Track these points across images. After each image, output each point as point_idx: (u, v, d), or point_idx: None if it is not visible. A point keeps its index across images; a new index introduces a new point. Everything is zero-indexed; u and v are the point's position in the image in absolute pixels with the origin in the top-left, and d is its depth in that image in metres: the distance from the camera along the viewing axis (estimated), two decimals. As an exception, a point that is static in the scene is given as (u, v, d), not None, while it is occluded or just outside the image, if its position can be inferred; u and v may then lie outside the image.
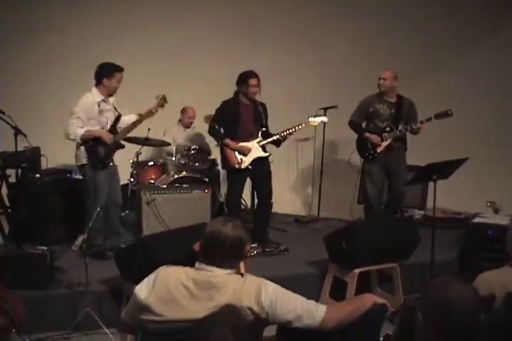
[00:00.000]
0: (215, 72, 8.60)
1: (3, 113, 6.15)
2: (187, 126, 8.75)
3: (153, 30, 8.81)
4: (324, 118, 7.40)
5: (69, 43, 8.60)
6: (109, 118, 6.65)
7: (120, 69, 6.54)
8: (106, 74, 6.51)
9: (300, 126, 7.07)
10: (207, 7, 8.86)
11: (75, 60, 8.46)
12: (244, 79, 6.94)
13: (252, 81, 6.93)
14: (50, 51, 8.59)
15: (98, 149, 6.53)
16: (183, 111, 8.67)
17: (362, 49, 8.77)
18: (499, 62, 8.33)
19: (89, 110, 6.48)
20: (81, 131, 6.41)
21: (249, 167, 7.04)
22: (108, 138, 6.54)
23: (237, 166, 7.01)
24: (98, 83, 6.55)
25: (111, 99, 6.69)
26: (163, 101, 6.70)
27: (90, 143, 6.50)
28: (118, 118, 6.68)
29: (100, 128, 6.59)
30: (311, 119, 7.21)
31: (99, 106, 6.53)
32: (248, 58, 8.45)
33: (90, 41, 8.55)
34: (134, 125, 6.72)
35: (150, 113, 6.65)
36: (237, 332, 2.44)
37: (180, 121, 8.75)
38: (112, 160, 6.68)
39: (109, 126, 6.63)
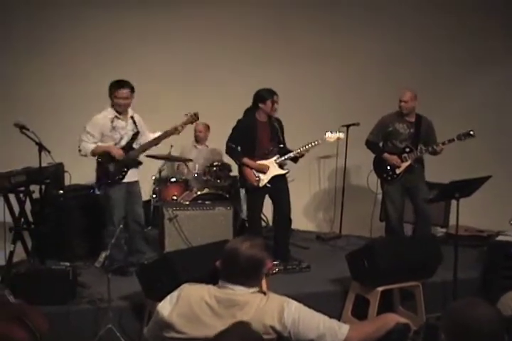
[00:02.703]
0: (234, 88, 8.63)
1: (27, 129, 6.19)
2: (198, 141, 8.74)
3: (171, 46, 8.89)
4: (341, 135, 7.24)
5: (94, 60, 8.69)
6: (126, 134, 6.71)
7: (120, 86, 6.56)
8: (110, 92, 6.59)
9: (316, 142, 6.99)
10: (227, 24, 8.91)
11: (99, 76, 8.53)
12: (268, 96, 6.91)
13: (276, 98, 6.93)
14: (75, 67, 8.69)
15: (108, 165, 6.59)
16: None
17: (382, 66, 8.77)
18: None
19: (101, 126, 6.57)
20: (90, 147, 6.51)
21: (268, 185, 7.05)
22: (117, 153, 6.59)
23: (255, 184, 7.00)
24: (111, 100, 6.64)
25: (133, 117, 6.75)
26: (192, 118, 6.76)
27: (100, 159, 6.58)
28: (135, 136, 6.74)
29: (113, 145, 6.64)
30: (327, 135, 7.08)
31: (112, 122, 6.60)
32: (267, 75, 8.47)
33: (115, 58, 8.63)
34: (155, 141, 6.76)
35: (175, 130, 6.67)
36: None
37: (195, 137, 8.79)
38: (124, 177, 6.68)
39: (123, 143, 6.68)
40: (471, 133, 6.80)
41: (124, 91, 6.56)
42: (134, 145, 6.74)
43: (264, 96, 6.94)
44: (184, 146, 8.67)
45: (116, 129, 6.64)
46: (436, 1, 8.51)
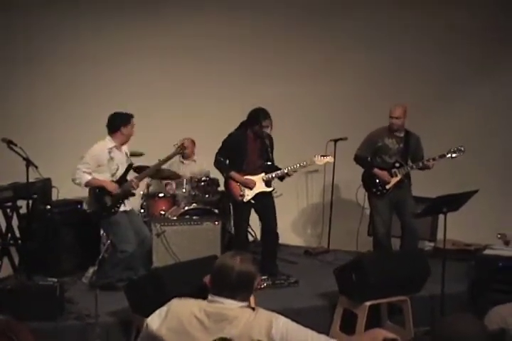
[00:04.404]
0: (228, 104, 8.64)
1: (15, 144, 6.21)
2: (185, 157, 8.70)
3: (166, 62, 8.89)
4: (330, 159, 7.30)
5: (86, 76, 8.66)
6: (121, 165, 6.73)
7: (132, 116, 6.68)
8: (122, 122, 6.64)
9: (305, 163, 7.06)
10: (219, 40, 8.90)
11: (91, 93, 8.54)
12: (258, 119, 6.93)
13: (266, 122, 6.94)
14: (67, 83, 8.67)
15: (104, 198, 6.59)
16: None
17: (371, 81, 8.79)
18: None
19: (99, 157, 6.59)
20: (87, 178, 6.50)
21: (252, 201, 7.06)
22: (112, 188, 6.61)
23: (239, 198, 7.03)
24: (114, 131, 6.65)
25: (124, 147, 6.80)
26: (180, 149, 7.09)
27: (97, 190, 6.59)
28: (129, 168, 6.79)
29: (110, 175, 6.66)
30: (317, 158, 7.15)
31: (109, 153, 6.62)
32: (258, 90, 8.50)
33: (107, 73, 8.61)
34: (152, 170, 7.02)
35: (168, 159, 7.03)
36: None
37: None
38: (119, 208, 6.69)
39: (119, 173, 6.70)
40: (462, 148, 6.87)
41: (135, 122, 6.69)
42: (128, 177, 6.78)
43: (255, 119, 6.97)
44: (171, 162, 8.64)
45: (113, 160, 6.67)
46: (426, 15, 8.51)
